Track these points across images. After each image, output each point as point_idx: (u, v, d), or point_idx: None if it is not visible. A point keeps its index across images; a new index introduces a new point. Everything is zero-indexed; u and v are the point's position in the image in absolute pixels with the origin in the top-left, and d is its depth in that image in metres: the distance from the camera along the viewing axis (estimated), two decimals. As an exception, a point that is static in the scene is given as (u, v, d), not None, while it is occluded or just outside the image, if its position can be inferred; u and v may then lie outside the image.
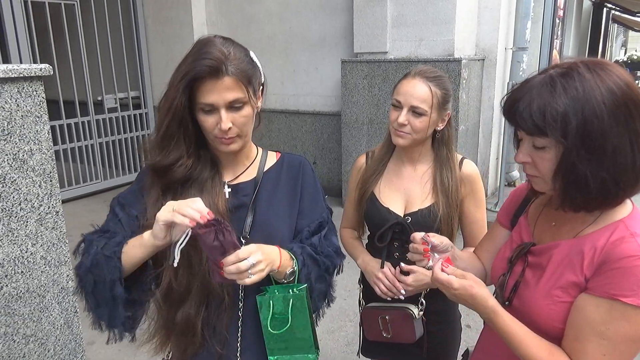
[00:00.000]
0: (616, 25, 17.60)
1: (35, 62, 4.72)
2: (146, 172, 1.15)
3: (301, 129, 5.35)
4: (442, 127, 1.49)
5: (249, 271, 0.97)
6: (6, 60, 4.48)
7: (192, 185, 1.11)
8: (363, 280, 1.65)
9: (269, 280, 1.14)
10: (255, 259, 0.97)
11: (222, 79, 1.04)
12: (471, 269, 1.26)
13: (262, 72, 1.15)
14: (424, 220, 1.46)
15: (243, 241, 1.10)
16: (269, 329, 1.14)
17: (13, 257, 1.51)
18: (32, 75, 1.47)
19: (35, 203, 1.54)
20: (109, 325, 1.07)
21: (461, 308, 1.50)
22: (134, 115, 5.93)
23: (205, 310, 1.12)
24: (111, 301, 1.03)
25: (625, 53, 26.89)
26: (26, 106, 1.48)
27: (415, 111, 1.42)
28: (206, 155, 1.15)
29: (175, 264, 0.98)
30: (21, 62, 4.58)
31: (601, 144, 0.87)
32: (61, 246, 1.64)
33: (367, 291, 1.61)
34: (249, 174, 1.21)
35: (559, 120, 0.88)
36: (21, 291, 1.55)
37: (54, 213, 1.60)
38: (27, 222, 1.53)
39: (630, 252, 0.89)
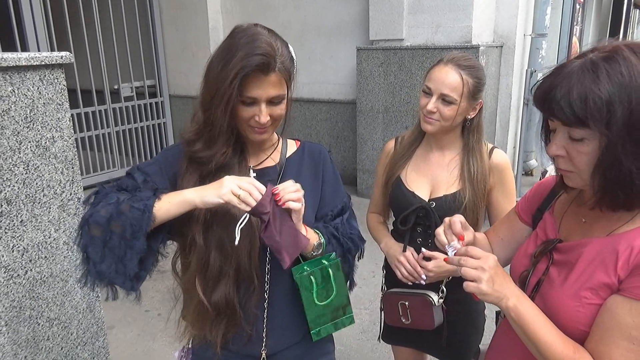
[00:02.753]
0: (638, 11, 17.15)
1: (52, 50, 4.77)
2: (178, 157, 1.16)
3: (316, 117, 5.34)
4: (473, 116, 1.48)
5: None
6: (24, 48, 4.53)
7: (221, 169, 1.12)
8: (386, 266, 1.66)
9: (297, 261, 1.17)
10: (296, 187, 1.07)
11: (269, 75, 1.05)
12: None
13: (296, 67, 1.15)
14: (449, 206, 1.45)
15: None
16: (316, 302, 1.19)
17: (37, 243, 1.54)
18: (53, 63, 1.48)
19: (58, 189, 1.57)
20: (110, 280, 1.04)
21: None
22: (150, 104, 5.97)
23: (237, 291, 1.14)
24: (124, 254, 1.01)
25: (646, 39, 26.24)
26: (48, 94, 1.50)
27: (444, 99, 1.41)
28: (236, 141, 1.16)
29: (236, 243, 1.03)
30: (39, 50, 4.62)
31: None
32: (83, 232, 1.67)
33: (390, 277, 1.62)
34: (272, 160, 1.23)
35: (604, 110, 0.80)
36: (45, 275, 1.59)
37: (76, 199, 1.63)
38: (50, 208, 1.56)
39: None
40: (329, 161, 1.28)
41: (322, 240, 1.18)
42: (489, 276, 0.94)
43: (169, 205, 1.04)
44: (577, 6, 6.12)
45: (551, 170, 5.15)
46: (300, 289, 1.17)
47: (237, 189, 1.00)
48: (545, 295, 0.99)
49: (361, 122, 4.70)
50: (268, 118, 1.08)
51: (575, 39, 6.41)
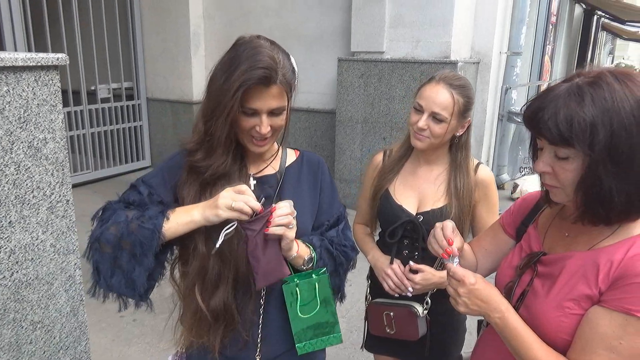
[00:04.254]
0: (605, 32, 17.88)
1: (30, 49, 4.67)
2: (179, 166, 1.18)
3: (295, 126, 5.37)
4: (461, 133, 1.52)
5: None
6: (1, 47, 4.42)
7: (221, 177, 1.14)
8: (371, 276, 1.69)
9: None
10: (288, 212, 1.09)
11: (270, 87, 1.07)
12: (463, 263, 1.27)
13: (297, 79, 1.18)
14: (435, 220, 1.49)
15: None
16: (300, 314, 1.18)
17: (24, 244, 1.52)
18: (49, 64, 1.48)
19: (47, 191, 1.56)
20: (120, 293, 1.09)
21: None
22: (127, 106, 5.89)
23: (234, 297, 1.16)
24: (133, 270, 1.05)
25: (612, 61, 27.34)
26: (42, 95, 1.49)
27: (435, 117, 1.44)
28: (237, 150, 1.18)
29: (217, 246, 1.05)
30: (16, 50, 4.53)
31: (628, 157, 0.85)
32: (70, 234, 1.65)
33: (375, 287, 1.65)
34: (272, 168, 1.25)
35: (588, 131, 0.85)
36: (30, 278, 1.56)
37: (65, 202, 1.61)
38: (39, 209, 1.54)
39: None
40: (326, 171, 1.32)
41: (313, 255, 1.19)
42: (462, 301, 1.04)
43: (177, 225, 1.08)
44: (550, 26, 6.37)
45: (522, 185, 5.33)
46: (285, 300, 1.19)
47: (231, 205, 1.03)
48: (529, 305, 1.03)
49: (340, 132, 4.76)
50: (269, 129, 1.11)
51: (547, 58, 6.66)
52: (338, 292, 1.29)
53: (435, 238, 1.18)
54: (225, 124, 1.08)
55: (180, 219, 1.07)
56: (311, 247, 1.20)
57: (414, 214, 1.54)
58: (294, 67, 1.17)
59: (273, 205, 1.08)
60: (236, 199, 1.02)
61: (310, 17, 4.99)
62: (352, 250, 1.29)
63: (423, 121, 1.45)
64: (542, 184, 1.04)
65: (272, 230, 1.05)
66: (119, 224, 1.05)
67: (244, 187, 1.06)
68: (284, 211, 1.07)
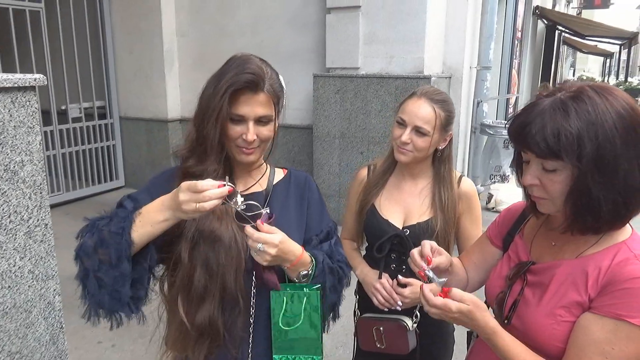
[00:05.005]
0: (566, 46, 18.60)
1: (-3, 69, 4.56)
2: (168, 179, 1.17)
3: (272, 142, 5.36)
4: (443, 147, 1.55)
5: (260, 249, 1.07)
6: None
7: None
8: (359, 291, 1.69)
9: (283, 279, 1.18)
10: (265, 247, 1.07)
11: (258, 93, 1.10)
12: (453, 277, 1.28)
13: (285, 96, 1.21)
14: (422, 233, 1.52)
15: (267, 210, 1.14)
16: (280, 324, 1.16)
17: (1, 272, 1.46)
18: (26, 85, 1.44)
19: (25, 215, 1.50)
20: (110, 309, 1.06)
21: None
22: (99, 125, 5.78)
23: (221, 313, 1.14)
24: (116, 281, 1.02)
25: (574, 73, 28.39)
26: (19, 116, 1.44)
27: (418, 131, 1.47)
28: (225, 164, 1.18)
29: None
30: (-18, 69, 4.41)
31: (613, 167, 0.89)
32: (49, 260, 1.60)
33: (363, 302, 1.65)
34: (260, 186, 1.25)
35: (575, 144, 0.88)
36: (8, 307, 1.50)
37: (43, 226, 1.56)
38: (16, 234, 1.49)
39: (636, 273, 0.91)
40: (314, 188, 1.32)
41: (310, 271, 1.18)
42: (452, 319, 1.03)
43: (151, 228, 1.05)
44: (516, 42, 6.58)
45: (496, 195, 5.44)
46: (271, 306, 1.18)
47: (196, 208, 0.99)
48: (522, 315, 1.05)
49: (317, 147, 4.77)
50: (255, 137, 1.12)
51: (514, 72, 6.87)
52: (333, 309, 1.27)
53: (413, 257, 1.18)
54: (216, 126, 1.09)
55: (147, 218, 1.05)
56: (313, 263, 1.18)
57: (401, 228, 1.55)
58: (282, 84, 1.20)
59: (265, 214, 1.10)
60: (198, 200, 0.98)
61: (285, 34, 5.02)
62: (347, 266, 1.29)
63: (406, 135, 1.48)
64: (529, 196, 1.06)
65: (252, 253, 1.08)
66: (93, 234, 1.04)
67: (199, 184, 0.99)
68: (259, 236, 1.07)
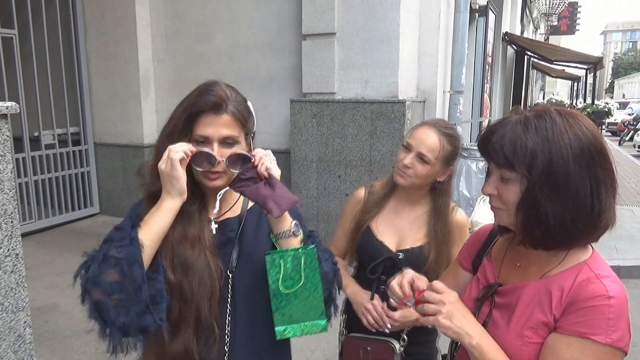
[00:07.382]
0: (536, 71, 19.23)
1: (-32, 95, 4.47)
2: (140, 203, 1.18)
3: (249, 166, 5.36)
4: (442, 180, 1.59)
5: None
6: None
7: (182, 215, 1.13)
8: (347, 310, 1.69)
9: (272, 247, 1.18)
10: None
11: (221, 115, 1.11)
12: None
13: (255, 121, 1.21)
14: (415, 258, 1.54)
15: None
16: (280, 288, 1.10)
17: (-32, 304, 1.42)
18: (-2, 113, 1.43)
19: (-5, 245, 1.47)
20: (136, 327, 1.00)
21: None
22: (73, 151, 5.69)
23: (196, 342, 1.12)
24: (131, 294, 0.99)
25: (544, 96, 29.29)
26: (-10, 145, 1.43)
27: (421, 157, 1.52)
28: (195, 190, 1.18)
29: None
30: (-48, 96, 4.32)
31: (564, 184, 0.93)
32: (20, 291, 1.56)
33: (351, 321, 1.65)
34: (234, 212, 1.25)
35: (528, 156, 0.94)
36: (-25, 340, 1.45)
37: (14, 256, 1.53)
38: (-15, 265, 1.45)
39: (598, 292, 0.93)
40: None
41: (300, 234, 1.16)
42: (447, 310, 1.01)
43: (155, 226, 1.07)
44: (487, 66, 6.79)
45: (472, 216, 5.51)
46: (267, 274, 1.11)
47: (176, 156, 1.07)
48: (491, 336, 1.05)
49: (295, 171, 4.79)
50: (220, 159, 1.11)
51: (486, 96, 7.06)
52: (331, 302, 1.22)
53: (394, 289, 1.16)
54: (175, 143, 1.10)
55: (156, 218, 1.08)
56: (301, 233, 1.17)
57: (394, 251, 1.57)
58: (249, 108, 1.20)
59: (252, 151, 1.12)
60: (176, 150, 1.07)
61: (262, 60, 5.08)
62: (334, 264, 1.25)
63: (409, 159, 1.53)
64: (492, 207, 1.10)
65: (262, 171, 1.09)
66: (98, 265, 1.01)
67: (171, 149, 1.08)
68: (261, 152, 1.11)
